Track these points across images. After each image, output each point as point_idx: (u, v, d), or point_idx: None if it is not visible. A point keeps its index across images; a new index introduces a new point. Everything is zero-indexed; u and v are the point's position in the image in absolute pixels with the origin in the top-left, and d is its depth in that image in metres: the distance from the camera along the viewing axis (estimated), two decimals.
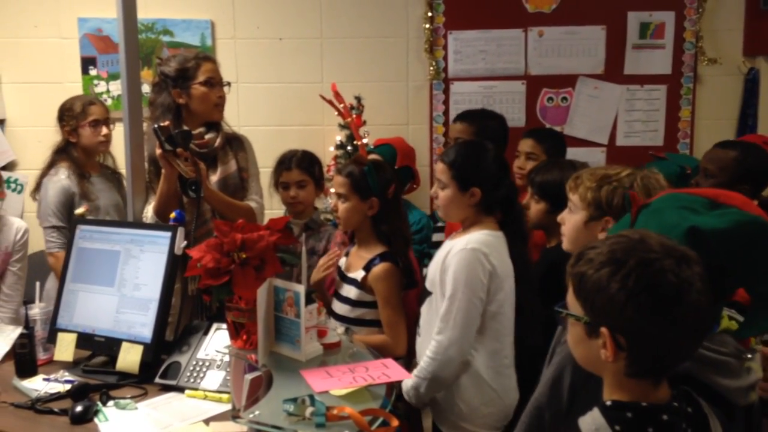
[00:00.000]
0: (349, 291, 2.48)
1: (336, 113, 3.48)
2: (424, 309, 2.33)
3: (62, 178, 3.07)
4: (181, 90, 2.64)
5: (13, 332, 2.32)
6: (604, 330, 1.18)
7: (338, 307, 2.51)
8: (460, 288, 2.16)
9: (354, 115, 3.66)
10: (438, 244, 3.16)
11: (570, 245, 1.90)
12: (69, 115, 3.12)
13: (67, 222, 3.04)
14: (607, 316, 1.17)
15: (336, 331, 2.13)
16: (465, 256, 2.17)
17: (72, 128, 3.12)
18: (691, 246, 1.24)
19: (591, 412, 1.20)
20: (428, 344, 2.26)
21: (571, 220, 1.88)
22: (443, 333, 2.18)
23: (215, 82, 2.68)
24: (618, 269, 1.16)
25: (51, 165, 3.13)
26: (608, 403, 1.21)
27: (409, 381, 2.23)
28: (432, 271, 2.31)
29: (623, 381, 1.21)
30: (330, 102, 3.32)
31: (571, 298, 1.25)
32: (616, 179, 1.81)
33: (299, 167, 3.04)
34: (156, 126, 2.46)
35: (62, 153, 3.14)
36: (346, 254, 2.60)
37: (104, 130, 3.15)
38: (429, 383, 2.21)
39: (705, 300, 1.16)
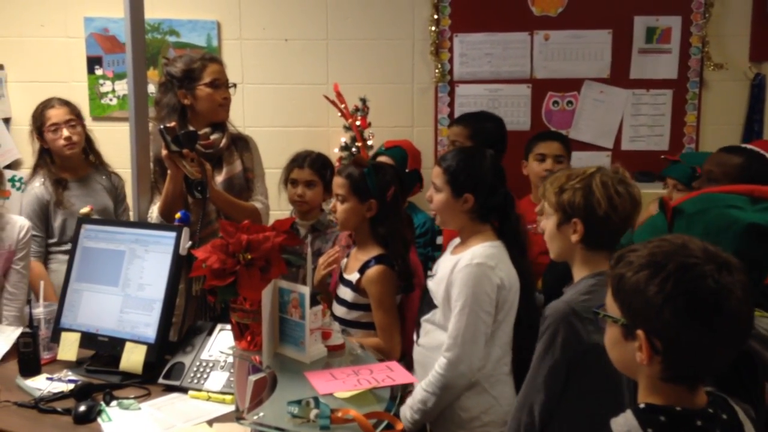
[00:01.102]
0: (346, 293, 2.47)
1: (339, 114, 3.48)
2: (425, 320, 2.30)
3: (36, 186, 3.04)
4: (186, 91, 2.64)
5: (13, 332, 2.33)
6: (640, 333, 1.17)
7: (337, 309, 2.50)
8: (468, 304, 2.13)
9: (359, 117, 3.66)
10: (440, 247, 3.16)
11: (552, 253, 1.92)
12: (32, 121, 3.07)
13: (43, 231, 3.03)
14: (643, 319, 1.17)
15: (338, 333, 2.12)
16: (471, 271, 2.14)
17: (38, 134, 3.06)
18: (751, 242, 1.24)
19: (624, 414, 1.20)
20: (425, 355, 2.25)
21: (546, 226, 1.90)
22: (452, 350, 2.14)
23: (220, 84, 2.68)
24: (657, 272, 1.15)
25: (33, 172, 3.10)
26: (642, 405, 1.21)
27: (416, 395, 2.20)
28: (435, 285, 2.27)
29: (658, 385, 1.20)
30: (333, 102, 3.32)
31: (609, 299, 1.24)
32: (578, 181, 1.82)
33: (311, 167, 3.04)
34: (162, 127, 2.45)
35: (40, 159, 3.10)
36: (347, 256, 2.60)
37: (65, 134, 3.02)
38: (438, 398, 2.17)
39: (745, 308, 1.15)
